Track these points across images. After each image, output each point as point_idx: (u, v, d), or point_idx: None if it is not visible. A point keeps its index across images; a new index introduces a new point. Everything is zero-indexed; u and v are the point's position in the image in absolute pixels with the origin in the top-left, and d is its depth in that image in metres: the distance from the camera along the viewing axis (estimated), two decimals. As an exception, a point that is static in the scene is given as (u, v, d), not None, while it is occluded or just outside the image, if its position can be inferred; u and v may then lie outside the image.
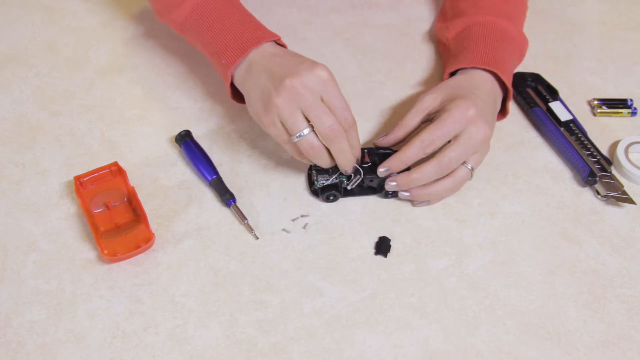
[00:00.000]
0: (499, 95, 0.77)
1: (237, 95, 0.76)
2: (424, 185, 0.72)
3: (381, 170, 0.71)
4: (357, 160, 0.71)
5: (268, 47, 0.72)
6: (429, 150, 0.70)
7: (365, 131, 0.82)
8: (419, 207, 0.74)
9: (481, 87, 0.75)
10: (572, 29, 0.96)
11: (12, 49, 0.90)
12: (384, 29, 0.95)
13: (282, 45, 0.74)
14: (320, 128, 0.66)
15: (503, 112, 0.80)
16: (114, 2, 0.96)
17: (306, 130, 0.66)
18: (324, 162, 0.69)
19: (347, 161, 0.69)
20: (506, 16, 0.81)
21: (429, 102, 0.73)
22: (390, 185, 0.72)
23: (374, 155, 0.74)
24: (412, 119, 0.74)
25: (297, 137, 0.66)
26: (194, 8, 0.76)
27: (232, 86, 0.74)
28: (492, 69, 0.75)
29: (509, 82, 0.76)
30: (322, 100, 0.66)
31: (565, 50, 0.93)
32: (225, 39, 0.73)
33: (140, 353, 0.63)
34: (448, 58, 0.84)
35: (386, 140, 0.75)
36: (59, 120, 0.82)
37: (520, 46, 0.82)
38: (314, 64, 0.67)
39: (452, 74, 0.79)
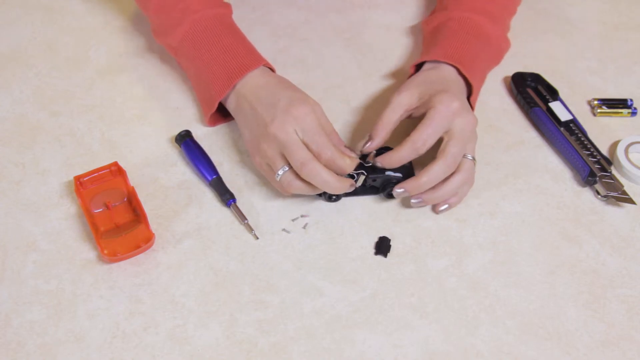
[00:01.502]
0: (463, 87, 0.77)
1: (216, 118, 0.80)
2: (434, 189, 0.71)
3: (375, 162, 0.71)
4: (353, 184, 0.70)
5: (253, 78, 0.74)
6: (422, 150, 0.69)
7: (365, 131, 0.82)
8: (423, 208, 0.74)
9: (448, 79, 0.75)
10: (572, 29, 0.96)
11: (12, 49, 0.90)
12: (384, 29, 0.95)
13: (271, 69, 0.77)
14: (293, 164, 0.67)
15: None
16: (114, 2, 0.96)
17: (284, 169, 0.68)
18: (310, 192, 0.70)
19: (332, 189, 0.68)
20: (487, 14, 0.81)
21: (407, 99, 0.73)
22: (398, 192, 0.71)
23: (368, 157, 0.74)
24: (392, 116, 0.72)
25: (277, 177, 0.69)
26: (186, 34, 0.78)
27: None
28: (453, 63, 0.76)
29: (472, 78, 0.76)
30: (301, 139, 0.67)
31: (565, 50, 0.93)
32: (212, 70, 0.76)
33: (140, 353, 0.63)
34: (422, 51, 0.85)
35: (373, 146, 0.72)
36: (59, 120, 0.82)
37: (496, 46, 0.82)
38: (290, 102, 0.68)
39: (419, 66, 0.80)
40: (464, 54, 0.77)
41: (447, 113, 0.69)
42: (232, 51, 0.76)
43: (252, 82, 0.74)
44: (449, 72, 0.76)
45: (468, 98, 0.78)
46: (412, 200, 0.72)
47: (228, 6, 0.82)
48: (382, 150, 0.73)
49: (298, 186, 0.68)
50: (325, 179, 0.67)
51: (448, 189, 0.71)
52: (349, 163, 0.68)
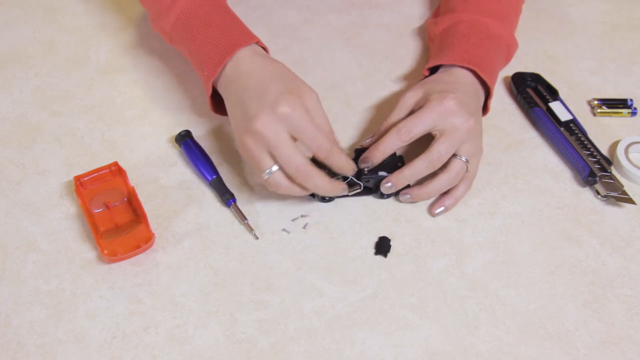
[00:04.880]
0: (480, 90, 0.77)
1: (220, 107, 0.74)
2: (422, 185, 0.72)
3: (361, 163, 0.72)
4: (344, 188, 0.70)
5: (244, 59, 0.70)
6: (406, 139, 0.70)
7: (365, 131, 0.82)
8: (423, 208, 0.74)
9: (461, 82, 0.75)
10: (572, 29, 0.96)
11: (12, 49, 0.90)
12: (384, 29, 0.95)
13: (264, 48, 0.73)
14: (288, 170, 0.65)
15: (484, 109, 0.79)
16: (114, 2, 0.96)
17: (274, 168, 0.66)
18: (298, 194, 0.68)
19: (330, 192, 0.68)
20: (495, 16, 0.81)
21: (411, 99, 0.74)
22: (386, 187, 0.72)
23: None
24: (396, 117, 0.74)
25: (265, 176, 0.66)
26: (178, 17, 0.75)
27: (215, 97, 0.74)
28: (471, 67, 0.76)
29: (489, 80, 0.76)
30: (291, 135, 0.65)
31: (565, 50, 0.93)
32: (204, 50, 0.72)
33: (140, 353, 0.63)
34: (432, 53, 0.85)
35: (372, 142, 0.75)
36: (59, 120, 0.82)
37: (506, 47, 0.82)
38: (277, 98, 0.65)
39: (434, 69, 0.80)
40: (480, 57, 0.77)
41: (439, 109, 0.70)
42: (223, 29, 0.72)
43: (242, 64, 0.69)
44: (463, 75, 0.76)
45: (485, 100, 0.78)
46: (401, 197, 0.74)
47: None
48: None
49: (287, 188, 0.67)
50: (317, 183, 0.66)
51: (432, 188, 0.72)
52: (346, 161, 0.68)
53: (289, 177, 0.66)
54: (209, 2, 0.75)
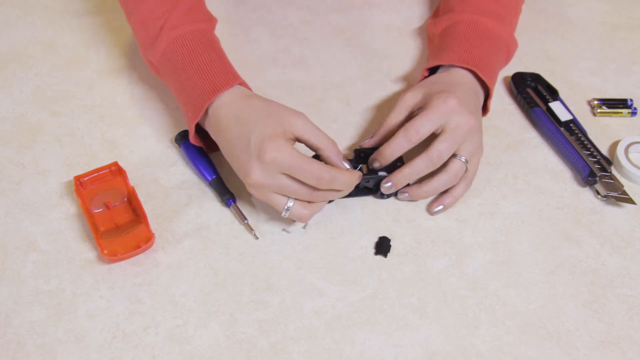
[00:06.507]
0: (479, 90, 0.77)
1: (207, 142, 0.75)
2: (421, 184, 0.72)
3: (371, 163, 0.72)
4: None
5: (223, 105, 0.69)
6: (415, 140, 0.70)
7: (365, 131, 0.82)
8: (423, 208, 0.74)
9: (460, 82, 0.75)
10: (572, 29, 0.96)
11: (12, 49, 0.90)
12: (384, 29, 0.95)
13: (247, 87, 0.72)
14: (300, 202, 0.67)
15: (484, 110, 0.79)
16: (115, 2, 0.96)
17: (290, 203, 0.67)
18: (323, 207, 0.70)
19: (341, 196, 0.70)
20: (495, 16, 0.81)
21: (411, 100, 0.74)
22: (386, 187, 0.72)
23: (368, 156, 0.74)
24: (395, 118, 0.74)
25: (285, 213, 0.67)
26: (164, 52, 0.74)
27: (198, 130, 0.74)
28: (470, 67, 0.76)
29: (488, 81, 0.76)
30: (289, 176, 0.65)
31: (565, 50, 0.93)
32: (188, 91, 0.71)
33: (140, 353, 0.63)
34: (431, 54, 0.85)
35: (372, 142, 0.75)
36: (59, 120, 0.82)
37: (506, 47, 0.82)
38: (260, 146, 0.64)
39: (433, 70, 0.80)
40: (479, 57, 0.77)
41: (443, 107, 0.70)
42: (206, 71, 0.71)
43: (223, 112, 0.69)
44: (462, 75, 0.76)
45: (485, 100, 0.79)
46: (399, 195, 0.74)
47: (210, 20, 0.78)
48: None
49: (310, 213, 0.68)
50: (334, 195, 0.68)
51: (431, 187, 0.72)
52: (351, 176, 0.67)
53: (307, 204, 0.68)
54: (194, 38, 0.73)
